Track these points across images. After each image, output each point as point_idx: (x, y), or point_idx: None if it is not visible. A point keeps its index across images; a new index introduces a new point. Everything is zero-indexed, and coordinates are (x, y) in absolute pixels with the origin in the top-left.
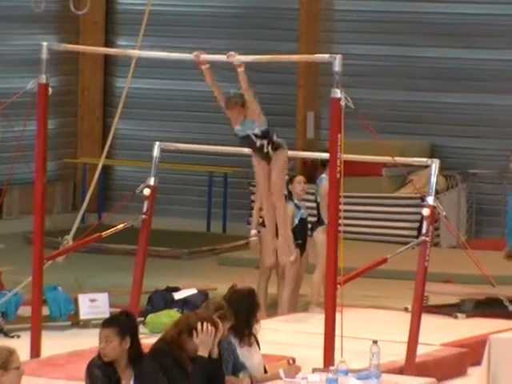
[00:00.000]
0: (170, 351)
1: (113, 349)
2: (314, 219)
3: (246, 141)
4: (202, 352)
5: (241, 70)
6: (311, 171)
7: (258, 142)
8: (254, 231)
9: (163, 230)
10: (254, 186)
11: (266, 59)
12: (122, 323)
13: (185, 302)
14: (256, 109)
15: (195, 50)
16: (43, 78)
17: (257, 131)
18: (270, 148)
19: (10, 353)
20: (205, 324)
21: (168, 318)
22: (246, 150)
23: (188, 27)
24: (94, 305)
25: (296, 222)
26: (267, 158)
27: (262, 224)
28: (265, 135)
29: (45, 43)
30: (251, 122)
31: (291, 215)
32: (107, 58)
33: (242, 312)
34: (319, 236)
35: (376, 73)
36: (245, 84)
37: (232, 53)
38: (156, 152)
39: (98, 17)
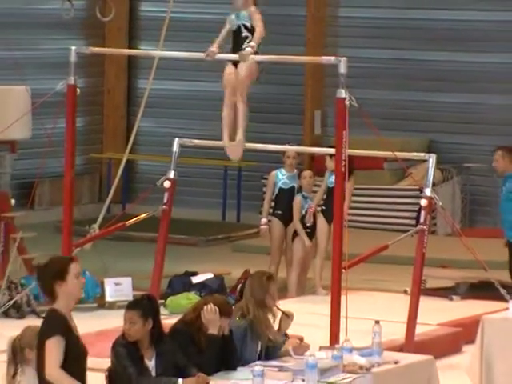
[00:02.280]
0: (188, 332)
1: (136, 330)
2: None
3: (235, 32)
4: (212, 330)
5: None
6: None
7: (244, 33)
8: (264, 220)
9: (182, 219)
10: (266, 178)
11: (277, 59)
12: (145, 306)
13: (202, 286)
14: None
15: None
16: (71, 80)
17: (248, 24)
18: (248, 43)
19: (35, 332)
20: (209, 305)
21: (186, 300)
22: (260, 146)
23: (205, 33)
24: (119, 288)
25: (303, 212)
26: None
27: (272, 213)
28: (251, 30)
29: (73, 47)
30: (248, 15)
31: (299, 206)
32: (130, 61)
33: (259, 292)
34: (322, 224)
35: (378, 74)
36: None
37: (243, 52)
38: (175, 147)
39: (122, 23)
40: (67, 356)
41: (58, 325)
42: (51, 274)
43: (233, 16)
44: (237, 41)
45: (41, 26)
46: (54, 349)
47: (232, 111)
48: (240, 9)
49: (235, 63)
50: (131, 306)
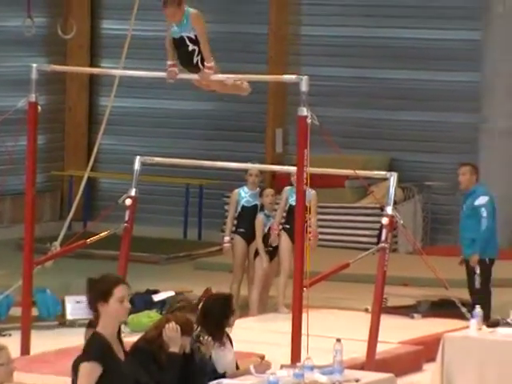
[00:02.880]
0: (150, 350)
1: None
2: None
3: (178, 44)
4: (173, 348)
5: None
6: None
7: (191, 47)
8: (227, 238)
9: (143, 237)
10: (228, 197)
11: (238, 78)
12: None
13: (163, 304)
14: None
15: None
16: (33, 97)
17: (192, 35)
18: (199, 58)
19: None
20: (171, 323)
21: (148, 318)
22: (221, 164)
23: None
24: (80, 306)
25: (265, 230)
26: (194, 70)
27: (235, 231)
28: (196, 41)
29: (34, 65)
30: (191, 25)
31: (261, 225)
32: (92, 79)
33: (217, 315)
34: (284, 242)
35: (339, 92)
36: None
37: (205, 74)
38: (137, 165)
39: (84, 41)
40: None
41: (96, 350)
42: (96, 293)
43: (175, 27)
44: (184, 55)
45: (2, 43)
46: (86, 375)
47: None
48: (175, 22)
49: (190, 69)
50: (92, 324)
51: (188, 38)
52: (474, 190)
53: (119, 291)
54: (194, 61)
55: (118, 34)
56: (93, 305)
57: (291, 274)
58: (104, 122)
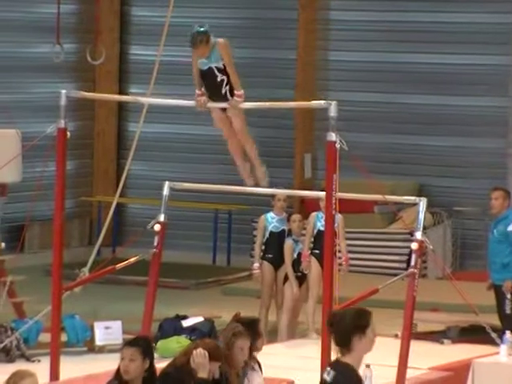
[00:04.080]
0: (179, 376)
1: (136, 367)
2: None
3: (206, 75)
4: (201, 374)
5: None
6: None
7: (219, 77)
8: (256, 264)
9: (172, 262)
10: (256, 222)
11: (267, 106)
12: (145, 345)
13: (192, 329)
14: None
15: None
16: (62, 123)
17: (221, 65)
18: (228, 88)
19: (21, 376)
20: (198, 349)
21: (177, 344)
22: (250, 189)
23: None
24: (109, 332)
25: (295, 256)
26: (223, 101)
27: (263, 257)
28: (226, 71)
29: (63, 91)
30: (219, 55)
31: (290, 250)
32: (120, 105)
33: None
34: (312, 266)
35: (368, 118)
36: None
37: (234, 102)
38: (166, 191)
39: (112, 66)
40: None
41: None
42: (352, 325)
43: (203, 60)
44: (212, 85)
45: (31, 69)
46: None
47: (235, 141)
48: (204, 57)
49: (223, 109)
50: (132, 342)
51: (216, 68)
52: (507, 214)
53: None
54: (223, 91)
55: (147, 59)
56: (345, 338)
57: (320, 299)
58: (133, 148)
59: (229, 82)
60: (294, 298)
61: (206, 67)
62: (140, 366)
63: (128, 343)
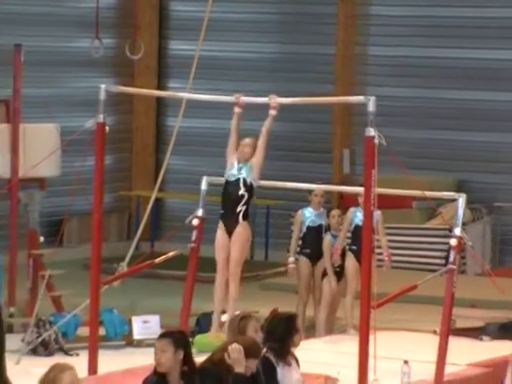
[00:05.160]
0: (217, 371)
1: (168, 359)
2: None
3: (230, 185)
4: (238, 368)
5: (273, 113)
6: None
7: (241, 191)
8: (291, 259)
9: (210, 257)
10: (294, 217)
11: (305, 101)
12: (176, 336)
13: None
14: (261, 157)
15: (238, 92)
16: (101, 118)
17: (249, 181)
18: (243, 209)
19: (61, 370)
20: (234, 344)
21: (214, 338)
22: (287, 185)
23: (233, 71)
24: (147, 326)
25: (332, 250)
26: (234, 221)
27: (300, 252)
28: (250, 189)
29: (102, 85)
30: (251, 168)
31: (329, 246)
32: (159, 99)
33: (281, 334)
34: (350, 262)
35: (406, 113)
36: (269, 127)
37: (274, 96)
38: (204, 185)
39: (151, 61)
40: None
41: None
42: None
43: (233, 169)
44: (231, 198)
45: (70, 64)
46: None
47: (224, 281)
48: (247, 159)
49: (229, 230)
50: (163, 334)
51: (244, 181)
52: None
53: (68, 376)
54: (238, 209)
55: (186, 54)
56: None
57: (357, 295)
58: (172, 143)
59: (246, 204)
60: (332, 294)
61: (233, 179)
62: (172, 357)
63: (159, 336)
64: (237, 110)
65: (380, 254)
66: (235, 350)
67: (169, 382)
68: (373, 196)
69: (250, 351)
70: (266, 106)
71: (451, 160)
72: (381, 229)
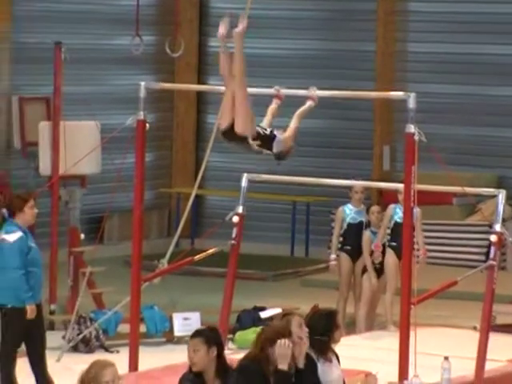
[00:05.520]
0: (257, 367)
1: (201, 357)
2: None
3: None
4: (281, 365)
5: (311, 104)
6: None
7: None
8: (333, 256)
9: (250, 254)
10: (334, 214)
11: (344, 95)
12: (208, 334)
13: (271, 321)
14: (290, 141)
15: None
16: (141, 115)
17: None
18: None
19: (102, 367)
20: (284, 340)
21: (255, 334)
22: (327, 181)
23: (273, 68)
24: (187, 323)
25: (373, 247)
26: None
27: (341, 249)
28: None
29: (142, 83)
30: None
31: (369, 242)
32: (199, 97)
33: (321, 330)
34: (390, 258)
35: (446, 109)
36: (303, 113)
37: (314, 87)
38: (244, 182)
39: (192, 59)
40: None
41: None
42: None
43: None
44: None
45: (111, 61)
46: None
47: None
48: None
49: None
50: (194, 334)
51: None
52: None
53: (110, 373)
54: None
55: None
56: None
57: (397, 291)
58: (211, 140)
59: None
60: (372, 290)
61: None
62: (205, 355)
63: (191, 335)
64: (276, 102)
65: (417, 250)
66: (283, 346)
67: (205, 380)
68: (413, 193)
69: (281, 334)
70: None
71: (491, 156)
72: (418, 226)
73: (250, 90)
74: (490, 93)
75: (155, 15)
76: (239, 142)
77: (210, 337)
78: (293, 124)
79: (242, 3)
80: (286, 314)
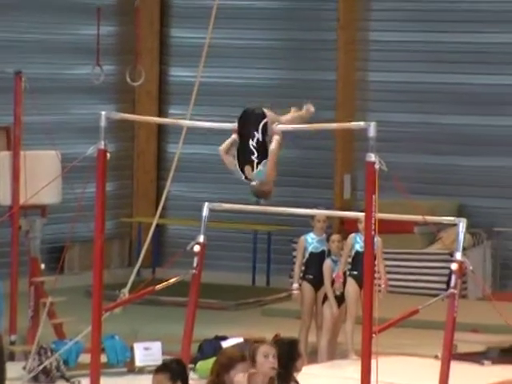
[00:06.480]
0: None
1: None
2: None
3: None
4: None
5: (277, 138)
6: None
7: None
8: (295, 285)
9: (212, 283)
10: (296, 242)
11: (306, 128)
12: (173, 369)
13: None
14: (272, 174)
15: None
16: (102, 144)
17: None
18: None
19: None
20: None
21: None
22: (289, 210)
23: (234, 97)
24: (149, 352)
25: (333, 276)
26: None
27: (303, 278)
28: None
29: (103, 112)
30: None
31: (329, 271)
32: (160, 126)
33: (283, 359)
34: (350, 287)
35: (407, 138)
36: (274, 149)
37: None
38: (205, 211)
39: (152, 87)
40: None
41: None
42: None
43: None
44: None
45: (71, 90)
46: None
47: None
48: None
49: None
50: (159, 369)
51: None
52: None
53: None
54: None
55: (187, 80)
56: None
57: (358, 320)
58: (173, 169)
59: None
60: (334, 318)
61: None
62: None
63: (156, 369)
64: (235, 136)
65: (378, 278)
66: (240, 377)
67: None
68: (373, 222)
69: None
70: None
71: (451, 185)
72: (379, 255)
73: (211, 124)
74: (449, 121)
75: (115, 44)
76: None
77: (175, 371)
78: (270, 160)
79: (202, 33)
80: (256, 341)
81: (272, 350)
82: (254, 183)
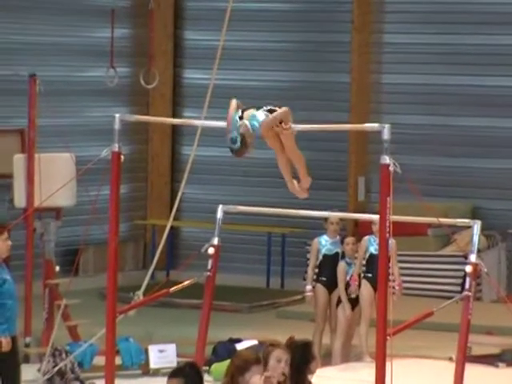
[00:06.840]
0: None
1: None
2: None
3: None
4: None
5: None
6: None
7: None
8: (309, 287)
9: (226, 285)
10: (310, 245)
11: (321, 128)
12: (187, 374)
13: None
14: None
15: None
16: (116, 147)
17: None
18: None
19: None
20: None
21: None
22: (303, 213)
23: (247, 99)
24: (163, 355)
25: (348, 278)
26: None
27: (316, 280)
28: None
29: (117, 115)
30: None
31: (343, 273)
32: (175, 128)
33: (297, 361)
34: (365, 289)
35: (421, 140)
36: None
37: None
38: (219, 214)
39: (166, 90)
40: None
41: None
42: None
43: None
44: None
45: (85, 93)
46: None
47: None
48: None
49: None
50: (173, 373)
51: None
52: None
53: None
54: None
55: (201, 83)
56: None
57: (372, 322)
58: (187, 171)
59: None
60: (347, 321)
61: None
62: None
63: (170, 374)
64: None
65: (393, 281)
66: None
67: None
68: (388, 224)
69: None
70: None
71: (466, 187)
72: (394, 258)
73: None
74: (464, 123)
75: (129, 47)
76: None
77: (189, 376)
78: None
79: (216, 35)
80: (271, 344)
81: (285, 355)
82: (237, 143)
